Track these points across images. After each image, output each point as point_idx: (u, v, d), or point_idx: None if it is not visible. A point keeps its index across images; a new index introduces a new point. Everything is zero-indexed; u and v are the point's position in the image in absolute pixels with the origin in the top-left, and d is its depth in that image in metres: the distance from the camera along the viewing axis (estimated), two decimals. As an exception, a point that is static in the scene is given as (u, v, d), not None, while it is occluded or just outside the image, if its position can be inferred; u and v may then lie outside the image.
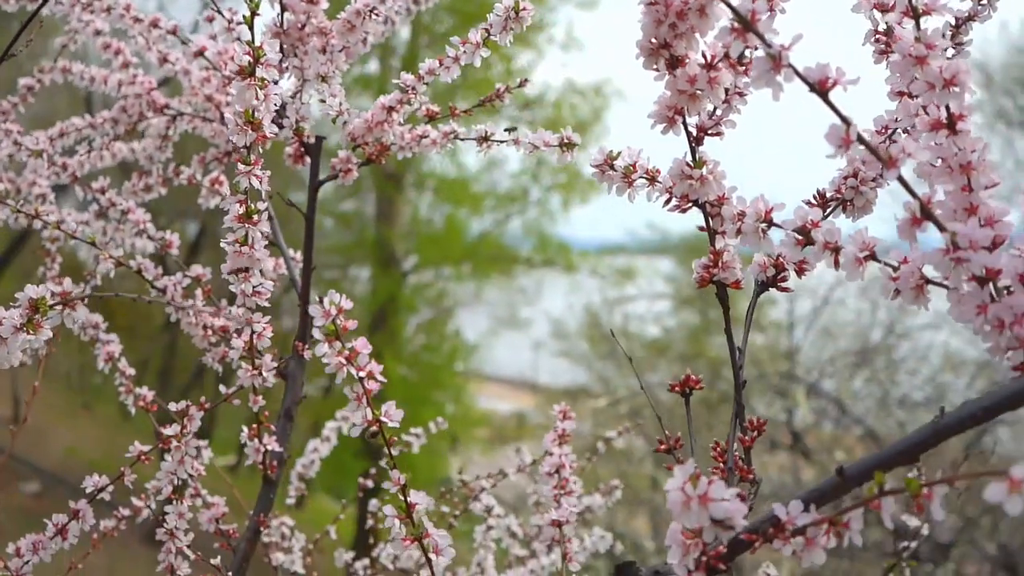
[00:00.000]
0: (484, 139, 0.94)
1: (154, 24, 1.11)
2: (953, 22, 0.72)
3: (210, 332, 1.02)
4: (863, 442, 6.78)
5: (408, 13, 1.15)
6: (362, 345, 0.63)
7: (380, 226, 11.44)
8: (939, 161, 0.55)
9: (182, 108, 1.20)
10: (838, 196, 0.69)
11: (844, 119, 0.50)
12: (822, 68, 0.50)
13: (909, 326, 7.52)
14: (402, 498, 0.65)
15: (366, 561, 1.38)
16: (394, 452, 0.66)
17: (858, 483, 0.50)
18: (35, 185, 1.27)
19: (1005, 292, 0.52)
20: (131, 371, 1.10)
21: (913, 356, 7.47)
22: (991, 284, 0.51)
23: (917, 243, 0.53)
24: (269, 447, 0.97)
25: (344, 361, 0.62)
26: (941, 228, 0.51)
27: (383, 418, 0.63)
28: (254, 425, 0.96)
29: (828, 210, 0.69)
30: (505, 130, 0.94)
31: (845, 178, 0.68)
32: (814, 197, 0.70)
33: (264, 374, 0.90)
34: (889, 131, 0.69)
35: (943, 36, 0.71)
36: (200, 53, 1.06)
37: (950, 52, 0.72)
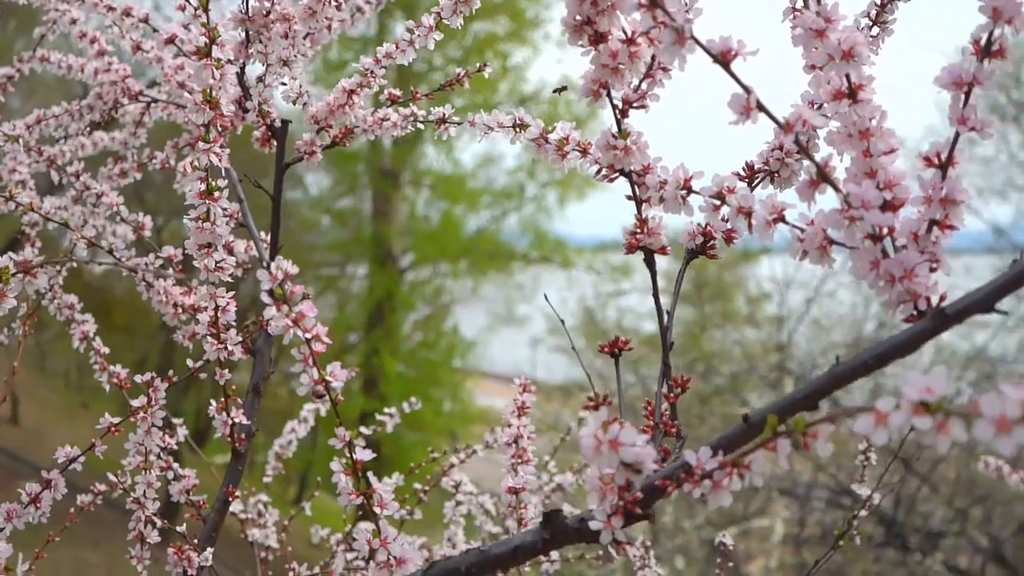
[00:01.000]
0: (442, 121, 0.98)
1: (126, 13, 1.14)
2: (878, 1, 0.75)
3: (180, 310, 1.06)
4: (855, 435, 6.81)
5: (379, 3, 1.18)
6: (308, 308, 0.66)
7: (377, 223, 11.48)
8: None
9: (156, 95, 1.23)
10: (765, 168, 0.72)
11: (745, 88, 0.54)
12: (724, 40, 0.54)
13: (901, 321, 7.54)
14: (348, 455, 0.68)
15: (339, 536, 1.42)
16: (367, 432, 0.70)
17: (760, 429, 0.54)
18: (15, 172, 1.30)
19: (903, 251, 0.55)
20: (105, 350, 1.13)
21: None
22: (884, 242, 0.55)
23: (815, 203, 0.56)
24: (237, 420, 1.01)
25: (291, 323, 0.65)
26: (836, 189, 0.54)
27: (328, 378, 0.67)
28: (222, 399, 1.00)
29: (756, 181, 0.72)
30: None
31: (772, 150, 0.72)
32: (743, 169, 0.73)
33: (230, 347, 0.93)
34: (815, 105, 0.72)
35: (867, 15, 0.75)
36: (171, 40, 1.09)
37: (875, 31, 0.75)
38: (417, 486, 1.33)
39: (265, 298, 0.65)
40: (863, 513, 1.11)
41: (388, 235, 11.41)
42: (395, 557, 0.67)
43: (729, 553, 1.16)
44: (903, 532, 5.92)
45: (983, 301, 0.50)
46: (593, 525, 0.58)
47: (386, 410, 1.42)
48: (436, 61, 10.15)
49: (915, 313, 0.53)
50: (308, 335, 0.66)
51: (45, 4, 1.23)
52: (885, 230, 0.54)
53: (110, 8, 1.15)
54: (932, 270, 0.54)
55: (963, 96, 0.55)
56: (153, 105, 1.24)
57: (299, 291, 0.66)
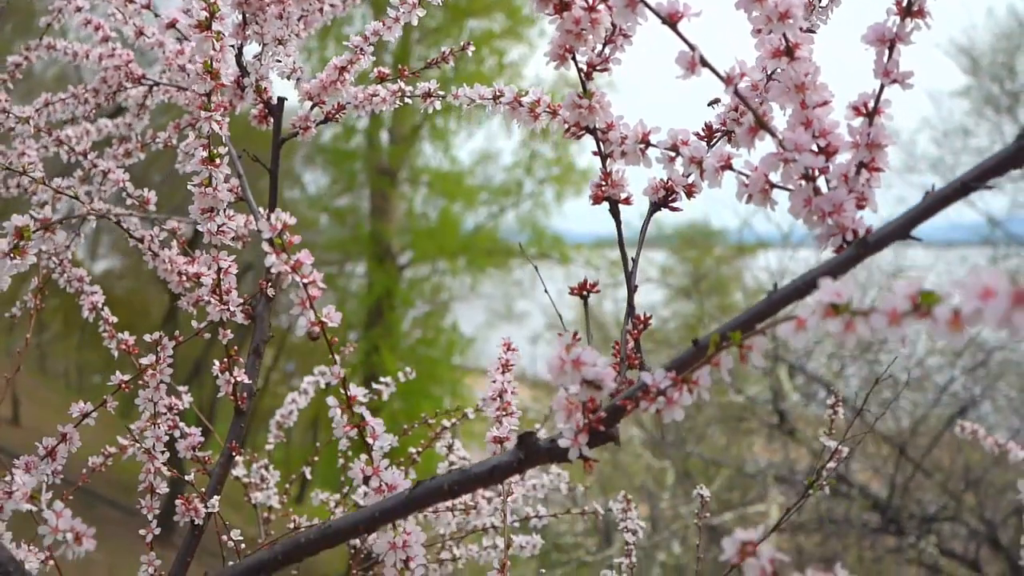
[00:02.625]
0: (428, 95, 1.04)
1: (129, 0, 1.20)
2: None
3: (184, 278, 1.12)
4: (847, 423, 6.89)
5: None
6: (305, 256, 0.73)
7: (375, 222, 11.54)
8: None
9: (157, 79, 1.29)
10: (723, 128, 0.79)
11: (691, 46, 0.60)
12: (672, 3, 0.60)
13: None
14: (343, 391, 0.75)
15: (338, 496, 1.48)
16: (364, 399, 0.76)
17: (707, 351, 0.60)
18: (24, 155, 1.36)
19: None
20: (114, 319, 1.19)
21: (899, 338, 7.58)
22: (819, 182, 0.61)
23: (755, 148, 0.63)
24: (239, 379, 1.07)
25: (289, 269, 0.72)
26: (773, 135, 0.61)
27: (324, 319, 0.73)
28: (224, 359, 1.06)
29: (714, 140, 0.79)
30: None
31: (729, 111, 0.78)
32: (702, 129, 0.80)
33: (232, 308, 1.00)
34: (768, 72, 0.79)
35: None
36: (172, 25, 1.16)
37: (824, 2, 0.81)
38: (412, 449, 1.40)
39: (266, 247, 0.71)
40: (831, 465, 1.18)
41: (386, 233, 11.47)
42: (386, 483, 0.73)
43: (707, 504, 1.23)
44: (898, 518, 5.99)
45: (899, 230, 0.57)
46: (562, 443, 0.64)
47: (382, 379, 1.48)
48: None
49: (843, 244, 0.60)
50: (305, 280, 0.72)
51: (52, -7, 1.29)
52: (817, 171, 0.60)
53: (115, -5, 1.21)
54: (860, 207, 0.61)
55: (887, 51, 0.61)
56: (155, 88, 1.31)
57: (296, 240, 0.73)
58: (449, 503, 1.28)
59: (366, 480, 0.74)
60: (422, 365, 11.38)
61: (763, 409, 6.14)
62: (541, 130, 0.80)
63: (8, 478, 0.75)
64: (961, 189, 0.55)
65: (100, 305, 1.21)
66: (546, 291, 0.99)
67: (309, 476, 1.49)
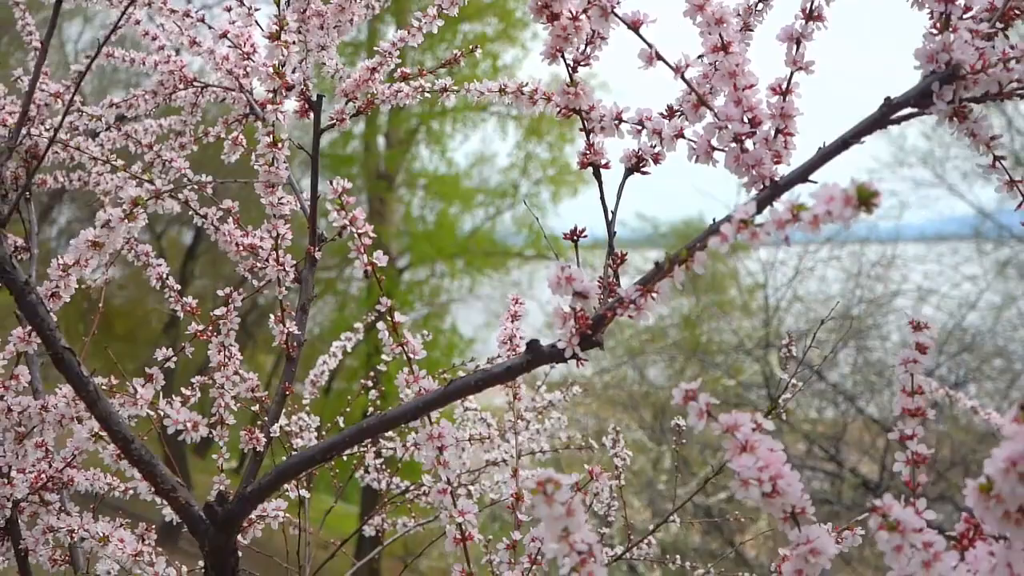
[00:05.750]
0: (444, 90, 1.26)
1: (186, 14, 1.42)
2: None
3: (240, 248, 1.33)
4: (841, 412, 7.13)
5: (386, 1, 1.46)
6: (360, 213, 0.94)
7: (373, 225, 11.74)
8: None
9: (208, 81, 1.51)
10: (681, 109, 1.00)
11: (649, 44, 0.82)
12: (635, 12, 0.82)
13: (883, 298, 7.88)
14: (390, 318, 0.96)
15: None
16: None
17: (669, 269, 0.81)
18: (79, 149, 1.58)
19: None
20: (177, 286, 1.41)
21: (893, 325, 7.85)
22: (744, 144, 0.83)
23: (700, 120, 0.84)
24: (290, 330, 1.29)
25: (348, 223, 0.93)
26: (710, 109, 0.82)
27: (375, 260, 0.95)
28: (279, 312, 1.28)
29: (675, 117, 1.00)
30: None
31: (682, 94, 1.00)
32: (666, 108, 1.01)
33: (287, 268, 1.21)
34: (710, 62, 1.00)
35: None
36: (224, 35, 1.37)
37: (760, 6, 1.03)
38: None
39: (329, 205, 0.93)
40: (787, 396, 1.39)
41: (384, 237, 11.67)
42: (424, 388, 0.95)
43: (682, 432, 1.44)
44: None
45: (798, 177, 0.78)
46: (560, 345, 0.85)
47: (384, 357, 1.69)
48: (427, 64, 10.44)
49: (763, 187, 0.81)
50: (360, 231, 0.94)
51: (115, 7, 1.51)
52: (744, 136, 0.82)
53: (172, 11, 1.43)
54: (777, 163, 0.82)
55: (795, 45, 0.83)
56: (205, 89, 1.52)
57: (352, 201, 0.94)
58: (467, 435, 1.50)
59: (408, 386, 0.95)
60: (422, 367, 11.54)
61: (755, 394, 6.37)
62: (536, 129, 1.00)
63: (132, 390, 0.97)
64: (842, 144, 0.76)
65: (165, 276, 1.42)
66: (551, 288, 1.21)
67: (343, 425, 1.70)
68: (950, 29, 0.75)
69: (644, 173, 0.99)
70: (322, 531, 1.83)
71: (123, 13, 1.14)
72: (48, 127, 1.44)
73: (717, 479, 6.66)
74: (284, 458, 1.02)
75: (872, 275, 7.89)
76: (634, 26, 0.82)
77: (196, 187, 1.44)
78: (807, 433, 6.61)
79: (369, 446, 1.68)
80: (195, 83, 1.52)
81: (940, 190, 9.16)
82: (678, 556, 1.90)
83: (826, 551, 0.69)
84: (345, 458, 1.77)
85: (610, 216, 0.97)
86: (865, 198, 0.60)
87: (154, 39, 1.52)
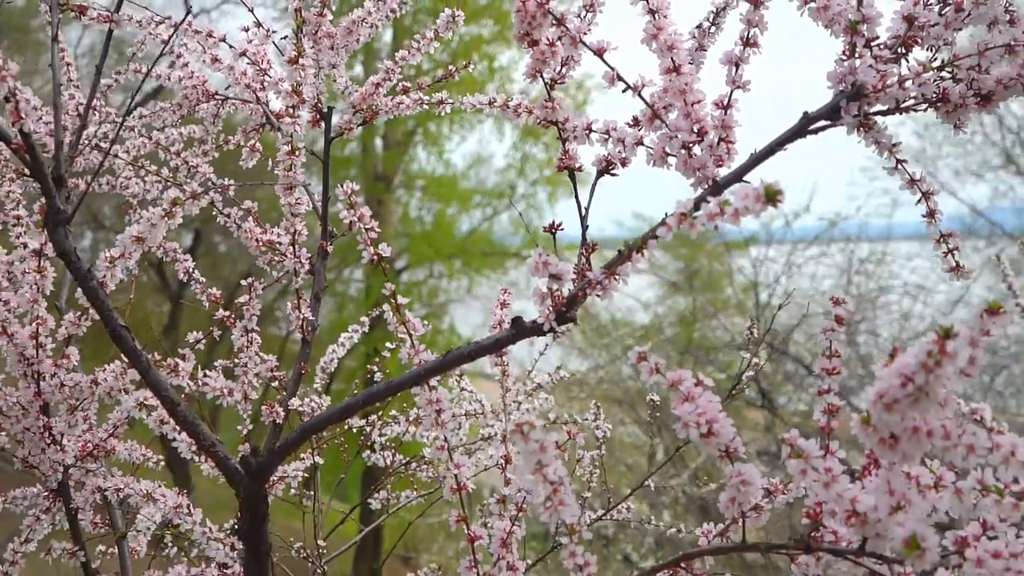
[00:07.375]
0: (441, 102, 1.42)
1: (209, 35, 1.58)
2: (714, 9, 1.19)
3: (259, 243, 1.49)
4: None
5: (388, 19, 1.63)
6: (367, 211, 1.10)
7: (372, 225, 11.90)
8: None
9: (227, 94, 1.67)
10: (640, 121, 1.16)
11: (611, 67, 0.98)
12: (600, 41, 0.98)
13: (877, 296, 8.06)
14: (393, 300, 1.12)
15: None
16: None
17: (628, 255, 0.97)
18: (118, 156, 1.74)
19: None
20: (203, 280, 1.57)
21: (883, 321, 8.03)
22: (692, 150, 0.99)
23: (658, 130, 1.01)
24: (306, 316, 1.45)
25: (356, 219, 1.09)
26: (663, 122, 0.99)
27: (379, 251, 1.11)
28: (294, 300, 1.44)
29: (640, 127, 1.16)
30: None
31: (643, 109, 1.16)
32: (632, 118, 1.17)
33: (303, 260, 1.37)
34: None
35: (707, 19, 1.18)
36: (243, 53, 1.54)
37: (712, 30, 1.19)
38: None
39: (339, 204, 1.09)
40: (749, 373, 1.55)
41: (383, 237, 11.81)
42: (423, 359, 1.11)
43: (658, 407, 1.60)
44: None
45: (733, 178, 0.94)
46: (539, 320, 1.02)
47: (388, 345, 1.86)
48: (424, 65, 10.60)
49: (706, 187, 0.98)
50: (367, 226, 1.10)
51: (143, 29, 1.67)
52: (692, 144, 0.98)
53: (196, 31, 1.59)
54: (719, 165, 0.99)
55: (734, 67, 0.99)
56: (225, 102, 1.68)
57: (360, 201, 1.10)
58: (463, 410, 1.66)
59: (410, 357, 1.11)
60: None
61: (747, 387, 6.54)
62: (532, 131, 1.15)
63: (173, 361, 1.13)
64: (769, 151, 0.93)
65: (191, 270, 1.58)
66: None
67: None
68: (856, 55, 0.91)
69: (613, 175, 1.15)
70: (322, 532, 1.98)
71: (165, 44, 1.30)
72: (85, 137, 1.60)
73: (709, 470, 6.81)
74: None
75: (862, 271, 8.07)
76: (599, 52, 0.98)
77: (220, 190, 1.60)
78: (797, 426, 6.77)
79: (376, 424, 1.84)
80: (216, 96, 1.68)
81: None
82: (660, 523, 2.06)
83: (754, 482, 0.85)
84: (355, 430, 1.93)
85: (583, 212, 1.13)
86: (771, 196, 0.76)
87: (179, 57, 1.68)
